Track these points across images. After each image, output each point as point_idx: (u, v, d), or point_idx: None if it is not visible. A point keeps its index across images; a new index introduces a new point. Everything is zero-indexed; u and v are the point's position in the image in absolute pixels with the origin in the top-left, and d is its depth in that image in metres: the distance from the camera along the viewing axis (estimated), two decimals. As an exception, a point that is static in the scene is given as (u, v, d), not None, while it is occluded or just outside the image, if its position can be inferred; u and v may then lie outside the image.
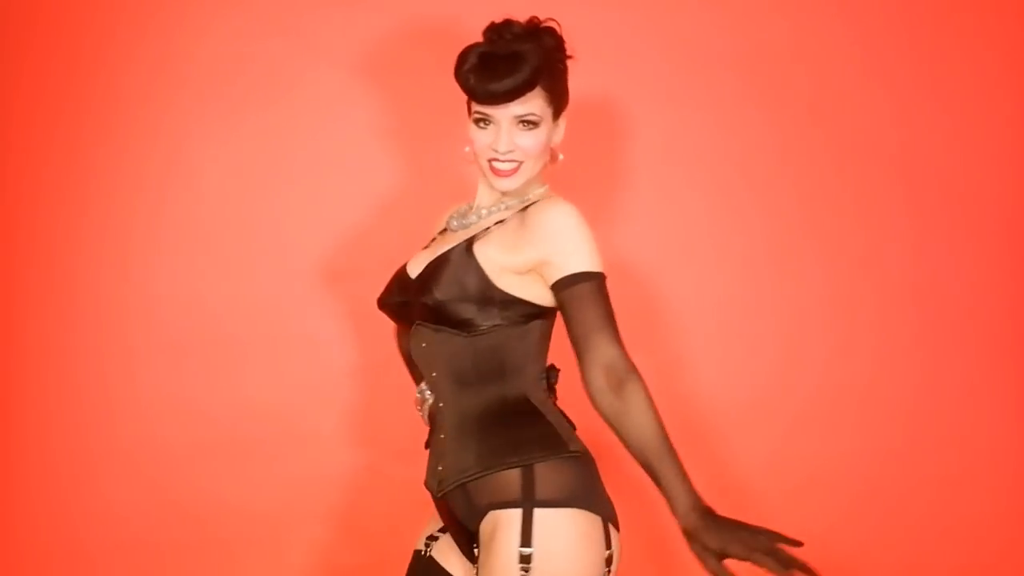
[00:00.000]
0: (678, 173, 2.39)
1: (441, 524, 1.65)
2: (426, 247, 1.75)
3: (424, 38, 2.30)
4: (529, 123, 1.57)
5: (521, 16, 2.18)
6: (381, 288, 1.79)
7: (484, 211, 1.65)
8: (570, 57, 1.63)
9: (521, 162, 1.59)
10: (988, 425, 2.46)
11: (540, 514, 1.45)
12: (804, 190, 2.41)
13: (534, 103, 1.57)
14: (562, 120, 1.64)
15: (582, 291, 1.48)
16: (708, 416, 2.43)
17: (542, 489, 1.48)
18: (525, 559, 1.42)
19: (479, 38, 1.64)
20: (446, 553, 1.64)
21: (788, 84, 2.38)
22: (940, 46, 2.40)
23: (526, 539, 1.43)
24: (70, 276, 2.41)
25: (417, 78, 2.33)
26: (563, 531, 1.45)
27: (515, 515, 1.45)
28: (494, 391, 1.58)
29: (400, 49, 2.22)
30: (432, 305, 1.54)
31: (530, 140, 1.58)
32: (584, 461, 1.54)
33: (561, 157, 1.66)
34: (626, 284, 2.34)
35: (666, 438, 1.41)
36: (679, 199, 2.40)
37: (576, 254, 1.50)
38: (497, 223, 1.60)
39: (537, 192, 1.65)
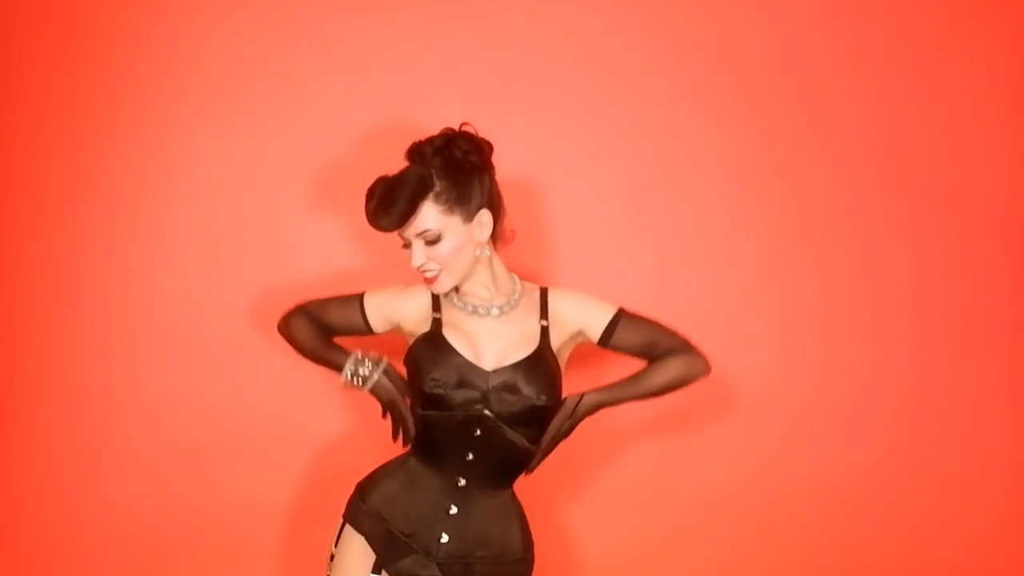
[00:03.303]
0: (672, 176, 2.42)
1: (371, 565, 1.86)
2: (432, 325, 1.88)
3: (435, 44, 2.33)
4: (432, 239, 1.76)
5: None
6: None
7: (506, 304, 1.88)
8: (490, 154, 1.82)
9: (440, 269, 1.79)
10: (984, 426, 2.48)
11: None
12: (797, 193, 2.43)
13: (427, 219, 1.76)
14: (483, 216, 1.81)
15: (623, 326, 1.89)
16: (703, 418, 2.45)
17: (529, 572, 1.92)
18: None
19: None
20: None
21: (781, 87, 2.41)
22: (935, 50, 2.42)
23: None
24: (76, 277, 2.43)
25: (428, 85, 2.36)
26: None
27: None
28: (509, 488, 1.91)
29: (410, 55, 2.23)
30: (536, 407, 1.81)
31: (438, 251, 1.78)
32: None
33: (487, 253, 1.84)
34: (620, 287, 2.41)
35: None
36: (672, 202, 2.43)
37: (598, 311, 1.90)
38: (541, 322, 1.87)
39: (519, 284, 1.91)
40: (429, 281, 1.83)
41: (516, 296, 1.90)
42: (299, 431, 2.43)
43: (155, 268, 2.42)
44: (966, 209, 2.46)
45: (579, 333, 1.92)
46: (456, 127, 1.83)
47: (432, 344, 1.85)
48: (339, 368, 1.95)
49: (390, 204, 1.73)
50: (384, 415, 1.96)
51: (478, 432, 1.81)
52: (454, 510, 1.85)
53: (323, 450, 2.42)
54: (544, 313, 1.89)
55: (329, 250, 2.41)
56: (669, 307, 2.38)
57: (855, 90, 2.43)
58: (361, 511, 1.91)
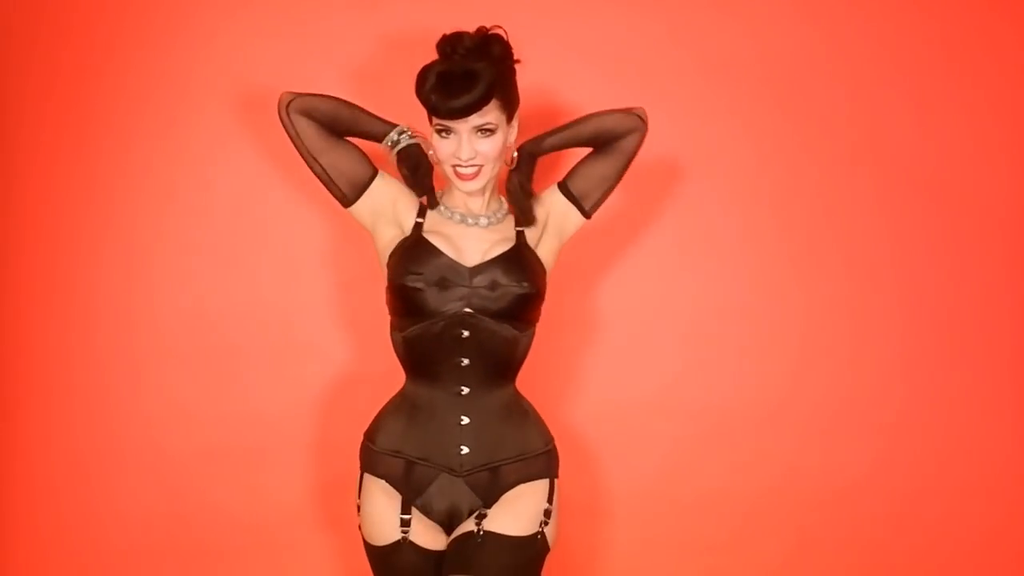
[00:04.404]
0: (694, 179, 2.40)
1: (398, 505, 1.84)
2: (413, 231, 1.87)
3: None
4: (487, 131, 1.79)
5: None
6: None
7: (493, 216, 1.91)
8: (518, 61, 1.84)
9: (482, 165, 1.82)
10: (1008, 433, 2.44)
11: (555, 482, 1.92)
12: (820, 197, 2.41)
13: (490, 113, 1.78)
14: (515, 121, 1.87)
15: (572, 173, 1.96)
16: (723, 426, 2.42)
17: (555, 466, 1.93)
18: (547, 513, 1.87)
19: (501, 31, 1.83)
20: (421, 532, 1.85)
21: (804, 89, 2.39)
22: (960, 51, 2.40)
23: (549, 500, 1.88)
24: (74, 284, 2.41)
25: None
26: (558, 494, 1.93)
27: (542, 484, 1.88)
28: (511, 385, 1.93)
29: (409, 55, 2.20)
30: (518, 295, 1.82)
31: (488, 145, 1.80)
32: None
33: (516, 155, 1.91)
34: (642, 290, 2.42)
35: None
36: (694, 205, 2.41)
37: (547, 192, 1.97)
38: (516, 228, 1.92)
39: (505, 204, 1.95)
40: (468, 176, 1.82)
41: (501, 213, 1.93)
42: (297, 440, 2.41)
43: (153, 275, 2.40)
44: (994, 217, 2.43)
45: (551, 219, 1.94)
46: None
47: (414, 245, 1.85)
48: (374, 133, 1.93)
49: (469, 88, 1.72)
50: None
51: (465, 334, 1.82)
52: (466, 420, 1.85)
53: (334, 453, 2.37)
54: (519, 223, 1.93)
55: (331, 255, 2.38)
56: (690, 313, 2.42)
57: (881, 96, 2.41)
58: (373, 455, 1.90)
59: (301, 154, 1.88)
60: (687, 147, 2.40)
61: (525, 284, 1.83)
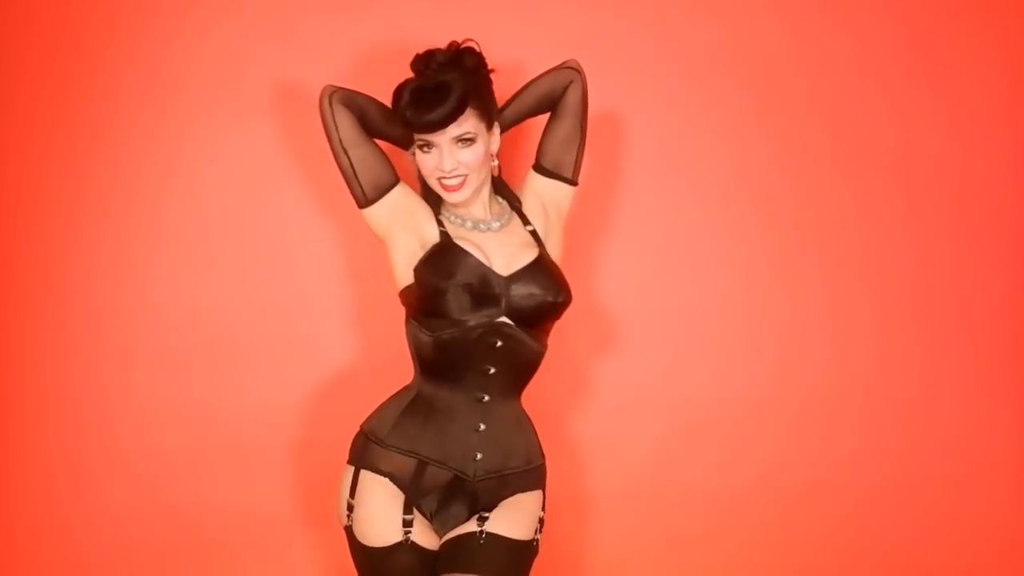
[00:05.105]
0: (677, 177, 2.42)
1: (401, 504, 1.83)
2: (442, 237, 1.87)
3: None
4: (467, 140, 1.82)
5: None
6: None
7: (500, 220, 1.93)
8: (492, 70, 1.88)
9: (466, 175, 1.84)
10: (988, 427, 2.48)
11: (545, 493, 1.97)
12: (803, 193, 2.44)
13: (468, 122, 1.81)
14: (495, 128, 1.91)
15: (541, 162, 2.02)
16: (708, 420, 2.45)
17: (545, 477, 1.97)
18: (541, 520, 1.93)
19: (473, 44, 1.88)
20: (420, 533, 1.84)
21: (786, 87, 2.41)
22: (939, 48, 2.43)
23: (542, 509, 1.94)
24: (68, 280, 2.41)
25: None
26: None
27: (537, 494, 1.93)
28: (520, 397, 1.94)
29: (401, 54, 2.23)
30: (554, 304, 1.86)
31: (469, 155, 1.83)
32: None
33: (496, 163, 1.93)
34: (626, 288, 2.44)
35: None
36: (678, 203, 2.43)
37: (529, 181, 2.02)
38: (527, 228, 1.94)
39: (505, 204, 1.97)
40: (453, 188, 1.85)
41: (506, 215, 1.96)
42: (293, 436, 2.41)
43: (148, 271, 2.40)
44: (974, 212, 2.46)
45: (547, 204, 1.99)
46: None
47: (445, 250, 1.84)
48: (401, 138, 1.94)
49: (442, 99, 1.75)
50: None
51: (499, 343, 1.82)
52: (483, 427, 1.86)
53: (318, 456, 2.38)
54: (525, 220, 1.96)
55: (324, 251, 2.39)
56: (674, 309, 2.44)
57: (862, 93, 2.44)
58: (378, 452, 1.87)
59: (333, 145, 1.88)
60: (670, 145, 2.41)
61: (562, 296, 1.87)
